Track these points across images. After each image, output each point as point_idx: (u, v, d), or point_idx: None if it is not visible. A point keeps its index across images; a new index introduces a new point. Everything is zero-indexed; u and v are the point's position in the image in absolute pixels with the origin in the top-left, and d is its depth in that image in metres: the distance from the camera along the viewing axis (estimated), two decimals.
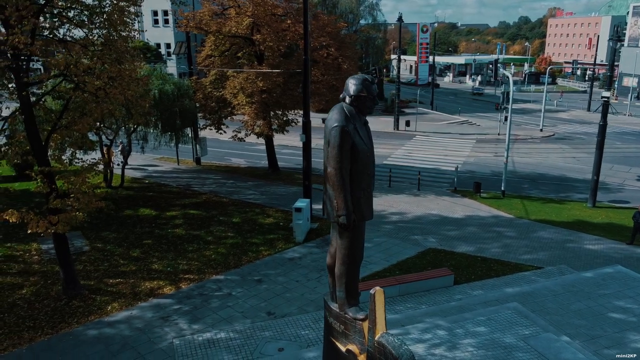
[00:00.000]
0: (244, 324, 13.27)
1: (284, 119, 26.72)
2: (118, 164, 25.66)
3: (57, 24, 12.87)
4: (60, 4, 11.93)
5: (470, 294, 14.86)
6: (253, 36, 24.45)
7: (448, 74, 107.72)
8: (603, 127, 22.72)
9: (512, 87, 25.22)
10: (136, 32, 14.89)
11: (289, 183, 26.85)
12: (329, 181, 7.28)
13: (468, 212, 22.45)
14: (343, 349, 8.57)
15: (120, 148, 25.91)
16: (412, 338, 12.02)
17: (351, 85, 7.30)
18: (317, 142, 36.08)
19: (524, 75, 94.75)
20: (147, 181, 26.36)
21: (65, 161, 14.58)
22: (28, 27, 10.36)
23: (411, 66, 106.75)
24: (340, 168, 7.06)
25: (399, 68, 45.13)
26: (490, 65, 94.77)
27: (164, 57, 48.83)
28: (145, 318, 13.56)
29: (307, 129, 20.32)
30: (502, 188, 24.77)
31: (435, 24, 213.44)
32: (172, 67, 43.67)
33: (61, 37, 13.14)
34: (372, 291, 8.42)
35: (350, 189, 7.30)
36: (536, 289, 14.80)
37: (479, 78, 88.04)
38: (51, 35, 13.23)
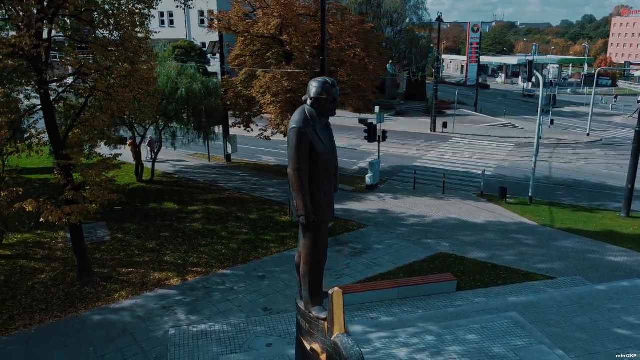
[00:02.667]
0: (239, 318, 13.63)
1: None
2: (148, 159, 26.77)
3: (69, 25, 13.65)
4: (71, 7, 12.61)
5: (471, 301, 14.55)
6: (281, 36, 24.83)
7: (500, 74, 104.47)
8: (639, 133, 21.50)
9: (542, 89, 24.31)
10: (152, 33, 15.54)
11: None
12: (289, 182, 7.45)
13: (490, 217, 21.87)
14: (308, 347, 8.72)
15: (147, 142, 27.03)
16: (398, 342, 11.95)
17: (312, 87, 7.41)
18: (349, 141, 36.25)
19: (582, 76, 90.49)
20: (176, 176, 27.34)
21: (84, 154, 15.48)
22: (34, 30, 11.06)
23: (462, 66, 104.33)
24: (299, 169, 7.18)
25: (437, 69, 44.33)
26: (549, 67, 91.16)
27: (209, 56, 50.21)
28: (148, 307, 14.18)
29: None
30: (530, 194, 23.93)
31: (493, 23, 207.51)
32: (216, 66, 44.88)
33: (75, 38, 13.91)
34: (330, 291, 8.53)
35: (310, 190, 7.44)
36: (541, 299, 14.29)
37: (542, 79, 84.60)
38: (67, 36, 14.09)
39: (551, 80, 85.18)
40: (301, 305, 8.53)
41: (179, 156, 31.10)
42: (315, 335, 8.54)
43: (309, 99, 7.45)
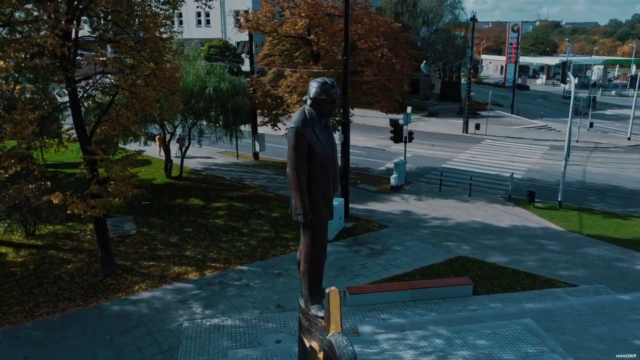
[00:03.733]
0: (251, 314, 13.86)
1: (337, 117, 26.96)
2: (177, 155, 27.43)
3: (99, 25, 14.18)
4: (97, 9, 13.09)
5: (486, 306, 14.32)
6: (309, 36, 24.99)
7: (541, 75, 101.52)
8: None
9: (573, 90, 23.57)
10: (178, 33, 15.96)
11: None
12: (288, 181, 7.59)
13: (515, 221, 21.39)
14: (308, 345, 8.85)
15: (176, 139, 27.70)
16: (406, 344, 11.90)
17: (311, 88, 7.49)
18: (378, 142, 36.06)
19: (628, 78, 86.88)
20: (204, 173, 27.89)
21: (111, 150, 16.04)
22: (58, 30, 11.56)
23: (501, 67, 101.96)
24: (296, 168, 7.29)
25: (470, 69, 43.56)
26: (593, 67, 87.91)
27: (244, 56, 50.91)
28: (165, 300, 14.60)
29: (345, 129, 20.47)
30: (559, 198, 23.25)
31: (537, 23, 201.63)
32: (248, 66, 45.48)
33: (103, 37, 14.44)
34: (327, 290, 8.63)
35: (308, 189, 7.55)
36: (559, 307, 13.93)
37: (575, 80, 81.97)
38: (96, 37, 14.64)
39: (594, 82, 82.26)
40: (302, 303, 8.66)
41: (208, 153, 31.76)
42: (314, 334, 8.64)
43: (308, 99, 7.55)
